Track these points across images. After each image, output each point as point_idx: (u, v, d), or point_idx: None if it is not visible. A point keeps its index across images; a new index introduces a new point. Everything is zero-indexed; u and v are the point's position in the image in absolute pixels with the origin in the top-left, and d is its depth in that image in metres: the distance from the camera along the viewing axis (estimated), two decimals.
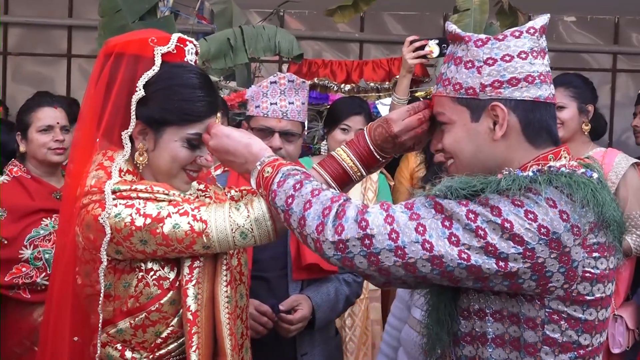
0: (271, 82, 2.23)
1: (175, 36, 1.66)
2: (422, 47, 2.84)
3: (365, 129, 1.61)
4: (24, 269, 2.56)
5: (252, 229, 1.56)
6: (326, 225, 1.38)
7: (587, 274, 1.37)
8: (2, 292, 2.56)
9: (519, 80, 1.42)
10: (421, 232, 1.35)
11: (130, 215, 1.54)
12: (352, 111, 3.17)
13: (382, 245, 1.35)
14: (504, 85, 1.42)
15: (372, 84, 5.03)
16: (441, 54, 2.78)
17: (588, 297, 1.38)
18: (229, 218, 1.56)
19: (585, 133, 2.88)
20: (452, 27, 1.50)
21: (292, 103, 2.24)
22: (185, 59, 1.66)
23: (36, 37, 6.28)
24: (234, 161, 1.60)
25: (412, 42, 2.87)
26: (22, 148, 2.78)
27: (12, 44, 6.27)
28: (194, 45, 1.70)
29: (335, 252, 1.38)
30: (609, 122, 5.68)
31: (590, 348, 1.41)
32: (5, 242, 2.56)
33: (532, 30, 1.45)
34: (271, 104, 2.22)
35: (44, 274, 2.58)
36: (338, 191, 1.51)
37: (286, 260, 2.24)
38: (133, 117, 1.60)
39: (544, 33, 1.47)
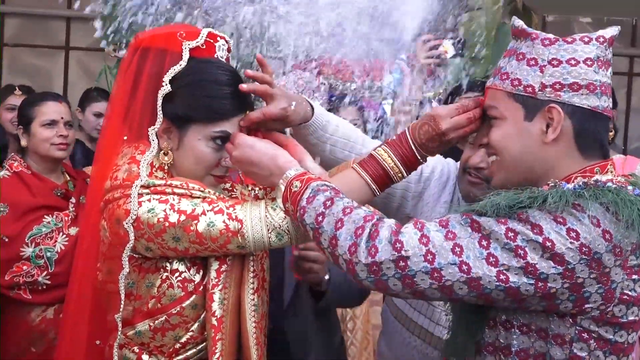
0: (290, 81, 2.12)
1: (205, 31, 1.62)
2: (436, 47, 2.84)
3: (407, 127, 1.57)
4: (25, 267, 2.50)
5: (288, 230, 1.52)
6: (359, 246, 1.34)
7: (625, 296, 1.34)
8: (2, 292, 2.51)
9: (580, 87, 1.39)
10: (458, 253, 1.31)
11: (164, 211, 1.50)
12: None
13: (417, 268, 1.31)
14: (565, 89, 1.39)
15: None
16: (456, 54, 2.72)
17: (622, 320, 1.36)
18: (265, 218, 1.52)
19: (611, 139, 2.78)
20: (518, 22, 1.48)
21: None
22: (216, 55, 1.62)
23: (34, 28, 6.20)
24: (258, 173, 1.55)
25: (425, 42, 2.83)
26: (23, 142, 2.72)
27: (9, 35, 6.18)
28: (226, 41, 1.65)
29: (369, 274, 1.33)
30: (624, 127, 5.56)
31: None
32: (6, 239, 2.50)
33: (601, 39, 1.42)
34: None
35: (45, 272, 2.52)
36: (371, 210, 1.47)
37: (283, 266, 2.17)
38: (160, 113, 1.56)
39: (612, 44, 1.45)
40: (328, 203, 1.40)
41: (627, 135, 6.05)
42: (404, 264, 1.31)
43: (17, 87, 3.81)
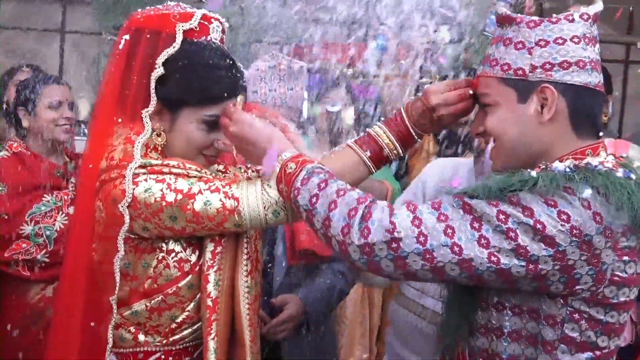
0: (270, 67, 2.11)
1: (199, 13, 1.61)
2: None
3: (402, 106, 1.59)
4: (24, 245, 2.53)
5: (284, 207, 1.53)
6: (352, 227, 1.35)
7: (616, 277, 1.35)
8: (1, 269, 2.54)
9: (570, 64, 1.40)
10: (450, 234, 1.32)
11: (161, 190, 1.51)
12: None
13: (409, 249, 1.32)
14: (555, 68, 1.40)
15: None
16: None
17: (613, 300, 1.37)
18: (261, 195, 1.53)
19: (605, 124, 2.86)
20: (502, 9, 1.49)
21: (292, 89, 2.13)
22: (210, 37, 1.61)
23: (30, 11, 6.12)
24: (253, 152, 1.55)
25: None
26: (24, 123, 2.73)
27: (5, 18, 6.11)
28: (220, 23, 1.65)
29: (362, 255, 1.34)
30: (620, 115, 5.54)
31: (606, 350, 1.41)
32: (6, 217, 2.53)
33: (585, 17, 1.44)
34: (270, 90, 2.12)
35: (44, 250, 2.55)
36: (364, 193, 1.47)
37: (272, 251, 2.22)
38: (153, 95, 1.56)
39: (596, 21, 1.46)
40: (322, 185, 1.41)
41: (622, 122, 6.05)
42: (396, 245, 1.32)
43: (25, 65, 3.79)
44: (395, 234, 1.32)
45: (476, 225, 1.32)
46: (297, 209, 1.45)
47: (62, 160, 2.75)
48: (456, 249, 1.31)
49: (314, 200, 1.40)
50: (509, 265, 1.30)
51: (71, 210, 2.57)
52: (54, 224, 2.56)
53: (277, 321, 2.15)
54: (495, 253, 1.30)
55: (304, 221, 1.47)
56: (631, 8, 6.14)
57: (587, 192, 1.30)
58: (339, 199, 1.38)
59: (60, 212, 2.59)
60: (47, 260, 2.53)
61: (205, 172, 1.57)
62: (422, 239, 1.32)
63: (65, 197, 2.63)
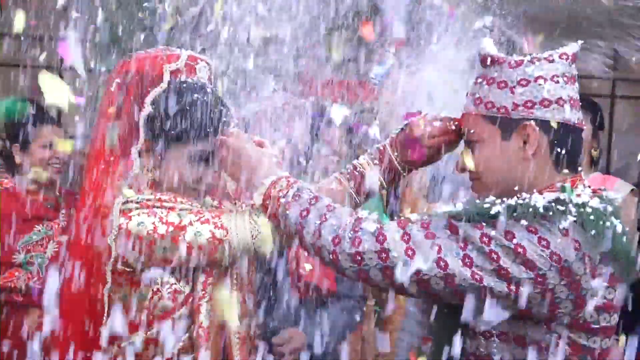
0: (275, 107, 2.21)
1: (185, 54, 1.70)
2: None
3: (388, 139, 1.66)
4: (17, 274, 2.66)
5: (271, 236, 1.60)
6: (343, 238, 1.42)
7: (595, 303, 1.39)
8: None
9: (550, 102, 1.46)
10: (437, 250, 1.38)
11: (153, 223, 1.57)
12: None
13: (398, 260, 1.39)
14: (536, 106, 1.46)
15: None
16: None
17: (594, 325, 1.42)
18: (249, 225, 1.59)
19: (594, 158, 2.92)
20: (486, 49, 1.54)
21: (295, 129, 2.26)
22: (196, 77, 1.70)
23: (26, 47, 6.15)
24: (243, 168, 1.60)
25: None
26: (17, 160, 2.82)
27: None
28: (207, 63, 1.74)
29: (352, 264, 1.41)
30: (607, 148, 5.62)
31: None
32: None
33: (564, 57, 1.50)
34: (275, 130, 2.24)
35: (35, 278, 2.67)
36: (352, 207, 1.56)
37: (277, 285, 2.29)
38: (142, 133, 1.64)
39: (574, 61, 1.52)
40: (313, 201, 1.49)
41: (609, 157, 6.15)
42: (385, 255, 1.39)
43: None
44: (385, 244, 1.39)
45: (462, 245, 1.37)
46: (284, 221, 1.51)
47: (53, 193, 2.83)
48: (442, 263, 1.37)
49: (304, 213, 1.47)
50: (491, 284, 1.35)
51: (62, 238, 2.71)
52: (44, 252, 2.69)
53: (280, 353, 2.22)
54: (478, 272, 1.36)
55: (289, 236, 1.53)
56: (615, 44, 6.29)
57: (566, 222, 1.36)
58: (329, 212, 1.46)
59: (51, 241, 2.72)
60: (38, 287, 2.63)
61: (196, 205, 1.64)
62: (410, 252, 1.38)
63: (56, 226, 2.76)
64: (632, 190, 2.87)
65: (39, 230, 2.73)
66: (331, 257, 1.43)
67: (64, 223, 2.75)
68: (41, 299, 2.52)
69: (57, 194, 2.85)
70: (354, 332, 2.56)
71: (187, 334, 1.65)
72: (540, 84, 1.47)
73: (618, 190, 2.82)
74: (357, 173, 1.64)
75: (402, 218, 1.46)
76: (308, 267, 2.21)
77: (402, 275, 1.38)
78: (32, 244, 2.71)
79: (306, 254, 2.11)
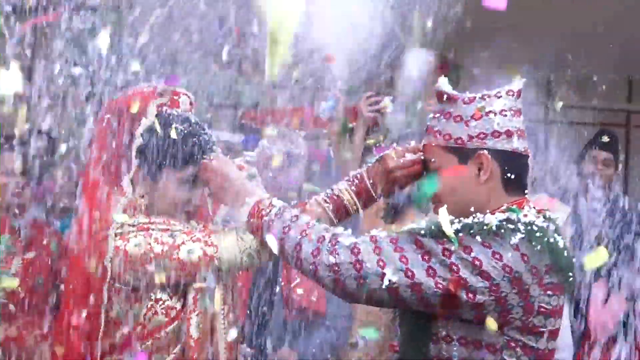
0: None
1: (169, 90, 1.88)
2: (377, 102, 3.19)
3: (364, 168, 1.83)
4: None
5: (257, 251, 1.76)
6: (322, 250, 1.59)
7: (542, 309, 1.58)
8: None
9: (500, 134, 1.65)
10: (404, 262, 1.55)
11: (149, 244, 1.73)
12: None
13: (370, 271, 1.56)
14: (488, 137, 1.65)
15: None
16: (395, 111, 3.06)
17: (542, 329, 1.60)
18: (236, 242, 1.76)
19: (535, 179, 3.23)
20: (443, 87, 1.71)
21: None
22: (180, 109, 1.87)
23: None
24: (228, 189, 1.78)
25: (368, 97, 3.20)
26: None
27: None
28: (188, 96, 1.91)
29: (330, 273, 1.59)
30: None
31: None
32: None
33: (511, 93, 1.69)
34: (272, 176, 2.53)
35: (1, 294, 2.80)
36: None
37: (271, 308, 2.49)
38: (134, 162, 1.80)
39: (519, 96, 1.70)
40: (294, 218, 1.67)
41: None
42: (359, 266, 1.56)
43: None
44: (360, 256, 1.57)
45: (426, 257, 1.55)
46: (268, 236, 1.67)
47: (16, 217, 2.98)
48: (409, 273, 1.54)
49: (286, 229, 1.65)
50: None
51: (28, 255, 2.90)
52: (10, 269, 2.85)
53: None
54: (441, 282, 1.53)
55: (272, 250, 1.69)
56: (551, 76, 6.69)
57: (516, 238, 1.54)
58: (309, 229, 1.64)
59: (15, 257, 2.88)
60: (4, 301, 2.76)
61: (187, 227, 1.81)
62: (381, 263, 1.56)
63: (19, 244, 2.92)
64: (569, 212, 3.20)
65: (2, 250, 2.85)
66: (310, 268, 1.60)
67: (26, 241, 2.91)
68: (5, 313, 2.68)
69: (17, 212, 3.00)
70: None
71: (178, 346, 1.80)
72: (490, 118, 1.65)
73: (558, 210, 3.15)
74: (335, 197, 1.81)
75: (373, 234, 1.63)
76: (300, 291, 2.40)
77: (374, 283, 1.56)
78: None
79: (296, 275, 2.31)
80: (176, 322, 1.79)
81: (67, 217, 3.84)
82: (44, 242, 2.98)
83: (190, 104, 1.92)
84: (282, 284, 2.44)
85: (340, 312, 2.60)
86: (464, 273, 1.53)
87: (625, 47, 5.54)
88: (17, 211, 3.00)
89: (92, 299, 1.76)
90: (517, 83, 1.72)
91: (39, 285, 2.90)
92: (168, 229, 1.77)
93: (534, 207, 1.67)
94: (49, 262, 2.96)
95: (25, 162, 3.09)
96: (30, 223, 2.99)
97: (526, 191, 1.71)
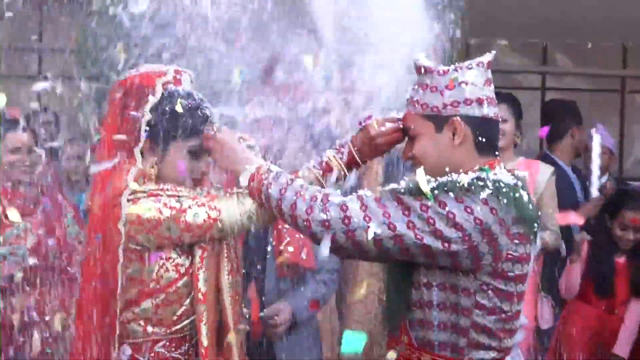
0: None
1: (171, 69, 2.07)
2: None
3: (349, 137, 2.00)
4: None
5: (256, 213, 1.94)
6: (314, 208, 1.78)
7: (510, 256, 1.76)
8: None
9: (472, 101, 1.81)
10: (387, 216, 1.74)
11: (158, 208, 1.93)
12: None
13: (358, 225, 1.74)
14: (460, 105, 1.80)
15: None
16: None
17: (510, 274, 1.77)
18: (237, 205, 1.94)
19: (517, 144, 3.46)
20: (419, 61, 1.85)
21: None
22: (182, 86, 2.06)
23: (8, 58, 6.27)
24: (230, 157, 1.96)
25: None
26: None
27: None
28: (189, 75, 2.10)
29: (322, 228, 1.77)
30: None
31: (510, 313, 1.80)
32: None
33: (481, 64, 1.85)
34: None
35: (20, 267, 2.98)
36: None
37: (264, 265, 2.66)
38: (143, 135, 1.99)
39: (489, 67, 1.86)
40: (289, 181, 1.85)
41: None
42: (348, 221, 1.75)
43: None
44: (348, 213, 1.75)
45: (406, 212, 1.73)
46: (266, 198, 1.87)
47: (33, 191, 3.15)
48: (391, 226, 1.72)
49: (283, 191, 1.84)
50: (429, 243, 1.71)
51: (41, 231, 3.05)
52: (25, 244, 3.00)
53: (278, 321, 2.60)
54: (420, 233, 1.71)
55: (270, 209, 1.87)
56: (545, 43, 6.79)
57: (484, 194, 1.72)
58: (303, 190, 1.82)
59: (30, 234, 3.03)
60: (21, 275, 2.95)
61: (192, 192, 2.00)
62: (367, 218, 1.74)
63: (35, 220, 3.07)
64: (553, 171, 3.44)
65: (19, 225, 3.03)
66: (305, 224, 1.78)
67: (41, 217, 3.08)
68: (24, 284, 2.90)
69: (38, 189, 3.17)
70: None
71: (188, 299, 2.01)
72: (463, 87, 1.81)
73: (544, 170, 3.43)
74: (324, 164, 1.98)
75: (359, 194, 1.81)
76: (291, 249, 2.59)
77: (361, 236, 1.74)
78: (13, 237, 3.01)
79: (286, 230, 2.50)
80: (185, 278, 2.00)
81: (80, 193, 4.05)
82: (60, 216, 3.16)
83: (191, 81, 2.11)
84: (274, 243, 2.61)
85: (329, 266, 2.78)
86: (440, 225, 1.71)
87: (620, 14, 5.64)
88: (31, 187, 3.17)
89: (108, 259, 1.97)
90: (487, 56, 1.88)
91: (54, 258, 3.07)
92: (176, 195, 1.96)
93: (505, 167, 1.85)
94: (65, 235, 3.13)
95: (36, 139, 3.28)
96: (48, 198, 3.16)
97: (497, 153, 1.88)
